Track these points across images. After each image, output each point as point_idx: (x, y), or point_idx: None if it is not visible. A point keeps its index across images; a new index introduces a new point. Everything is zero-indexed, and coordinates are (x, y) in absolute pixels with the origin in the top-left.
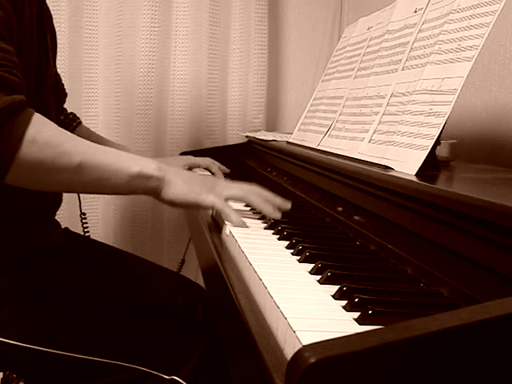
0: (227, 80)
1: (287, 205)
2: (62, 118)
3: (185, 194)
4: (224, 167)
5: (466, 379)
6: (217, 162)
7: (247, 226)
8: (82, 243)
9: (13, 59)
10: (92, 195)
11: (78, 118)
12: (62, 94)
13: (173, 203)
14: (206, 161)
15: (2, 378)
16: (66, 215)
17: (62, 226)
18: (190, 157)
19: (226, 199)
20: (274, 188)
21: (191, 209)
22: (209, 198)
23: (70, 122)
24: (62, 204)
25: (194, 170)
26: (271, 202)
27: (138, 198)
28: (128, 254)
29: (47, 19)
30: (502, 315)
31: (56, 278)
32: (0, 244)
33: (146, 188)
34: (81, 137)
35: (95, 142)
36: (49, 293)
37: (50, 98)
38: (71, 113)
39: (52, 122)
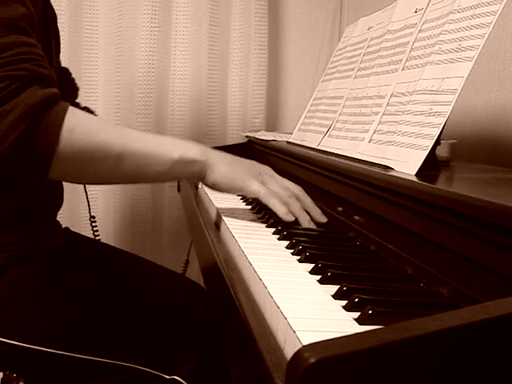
0: (227, 80)
1: (323, 218)
2: None
3: (229, 179)
4: None
5: (466, 379)
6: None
7: (292, 220)
8: (83, 243)
9: (39, 52)
10: (92, 195)
11: (93, 112)
12: (74, 90)
13: (216, 187)
14: None
15: (1, 378)
16: (66, 215)
17: (63, 226)
18: None
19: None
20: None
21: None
22: (253, 185)
23: None
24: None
25: None
26: (309, 211)
27: (138, 197)
28: (128, 253)
29: (51, 19)
30: (502, 315)
31: (56, 279)
32: (1, 245)
33: (190, 173)
34: None
35: None
36: (49, 293)
37: None
38: (85, 107)
39: (88, 113)
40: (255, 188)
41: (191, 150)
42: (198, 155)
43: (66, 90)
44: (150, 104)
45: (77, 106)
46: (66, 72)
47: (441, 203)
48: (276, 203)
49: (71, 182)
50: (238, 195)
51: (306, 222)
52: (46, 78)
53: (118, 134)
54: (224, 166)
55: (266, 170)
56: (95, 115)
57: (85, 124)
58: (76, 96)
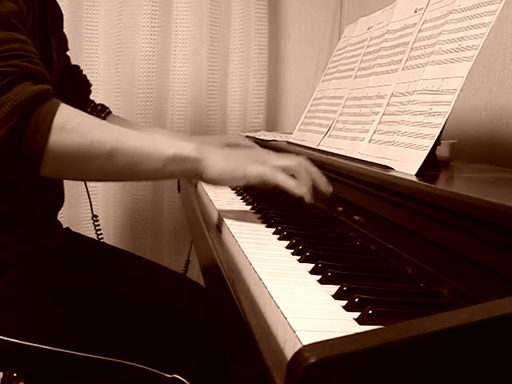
0: (227, 80)
1: (329, 188)
2: (88, 110)
3: (229, 171)
4: None
5: (466, 379)
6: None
7: (304, 192)
8: (83, 244)
9: (30, 49)
10: (93, 196)
11: (107, 108)
12: (85, 86)
13: (218, 182)
14: (250, 143)
15: (1, 378)
16: (67, 215)
17: (63, 227)
18: (231, 136)
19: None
20: (274, 188)
21: (238, 185)
22: (256, 169)
23: (99, 114)
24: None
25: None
26: (318, 183)
27: (139, 197)
28: (129, 253)
29: (52, 18)
30: (502, 315)
31: (57, 278)
32: (2, 244)
33: (185, 170)
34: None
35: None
36: (50, 292)
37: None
38: (100, 104)
39: (80, 110)
40: (259, 170)
41: (186, 147)
42: (194, 152)
43: (74, 87)
44: (150, 104)
45: (92, 103)
46: (75, 69)
47: (441, 203)
48: (285, 180)
49: (65, 179)
50: (239, 195)
51: (305, 195)
52: (38, 75)
53: (110, 132)
54: (221, 159)
55: (265, 151)
56: (110, 111)
57: (76, 121)
58: (88, 92)
